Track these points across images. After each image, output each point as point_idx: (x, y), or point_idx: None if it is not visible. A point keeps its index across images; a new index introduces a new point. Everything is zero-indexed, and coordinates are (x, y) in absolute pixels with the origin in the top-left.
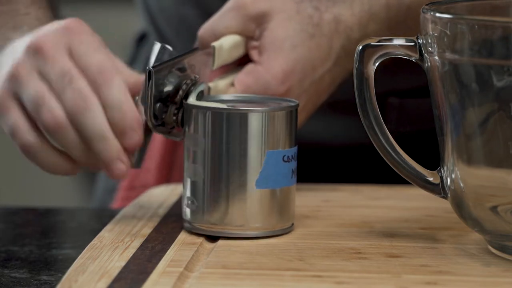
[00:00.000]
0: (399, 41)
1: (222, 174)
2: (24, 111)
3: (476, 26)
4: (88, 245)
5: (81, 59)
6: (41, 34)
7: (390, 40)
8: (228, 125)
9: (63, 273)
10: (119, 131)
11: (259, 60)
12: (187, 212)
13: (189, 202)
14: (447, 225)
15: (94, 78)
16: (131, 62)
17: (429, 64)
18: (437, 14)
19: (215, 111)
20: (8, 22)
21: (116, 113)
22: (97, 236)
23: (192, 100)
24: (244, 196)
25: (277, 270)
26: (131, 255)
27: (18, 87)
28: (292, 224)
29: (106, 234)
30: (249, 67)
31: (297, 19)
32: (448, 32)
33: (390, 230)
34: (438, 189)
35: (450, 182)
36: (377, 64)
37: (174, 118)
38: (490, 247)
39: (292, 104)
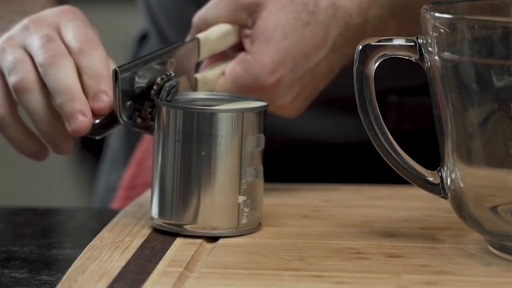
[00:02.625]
0: (399, 41)
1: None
2: (4, 82)
3: (476, 26)
4: (88, 245)
5: (67, 33)
6: (35, 15)
7: (390, 40)
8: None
9: (63, 273)
10: (91, 94)
11: (250, 49)
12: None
13: (244, 202)
14: (447, 225)
15: (77, 46)
16: None
17: (429, 64)
18: (437, 14)
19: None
20: (16, 8)
21: (91, 79)
22: (97, 236)
23: (163, 97)
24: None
25: (277, 270)
26: (131, 255)
27: (1, 59)
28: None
29: (106, 234)
30: (240, 56)
31: (291, 7)
32: (448, 32)
33: (390, 230)
34: (438, 189)
35: (450, 182)
36: (377, 64)
37: (150, 113)
38: (490, 247)
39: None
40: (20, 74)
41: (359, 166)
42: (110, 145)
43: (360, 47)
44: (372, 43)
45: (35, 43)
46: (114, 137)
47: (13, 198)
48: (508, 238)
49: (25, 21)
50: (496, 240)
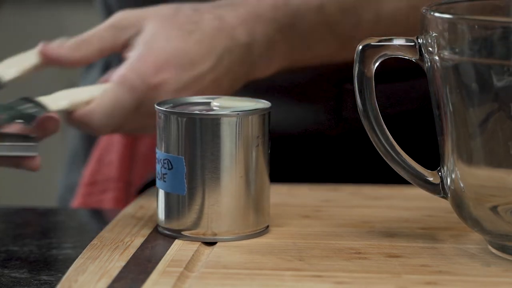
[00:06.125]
0: (399, 41)
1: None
2: None
3: (476, 26)
4: (88, 245)
5: None
6: None
7: (390, 40)
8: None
9: (63, 273)
10: None
11: (133, 53)
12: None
13: None
14: (447, 225)
15: None
16: None
17: (429, 64)
18: (437, 14)
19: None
20: None
21: None
22: (97, 236)
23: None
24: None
25: (277, 270)
26: (131, 255)
27: None
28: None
29: (106, 234)
30: (125, 63)
31: (173, 21)
32: (448, 32)
33: (390, 230)
34: (438, 189)
35: (450, 182)
36: (377, 64)
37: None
38: (490, 247)
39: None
40: None
41: (359, 166)
42: (69, 145)
43: (360, 47)
44: (372, 43)
45: None
46: (73, 136)
47: (13, 198)
48: (508, 238)
49: None
50: (496, 240)
